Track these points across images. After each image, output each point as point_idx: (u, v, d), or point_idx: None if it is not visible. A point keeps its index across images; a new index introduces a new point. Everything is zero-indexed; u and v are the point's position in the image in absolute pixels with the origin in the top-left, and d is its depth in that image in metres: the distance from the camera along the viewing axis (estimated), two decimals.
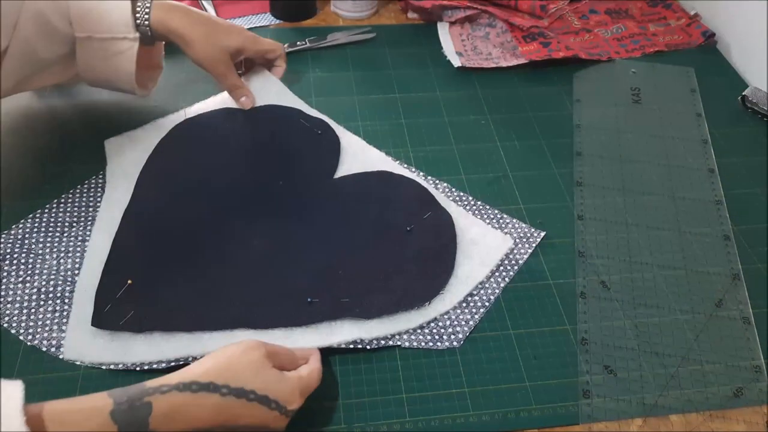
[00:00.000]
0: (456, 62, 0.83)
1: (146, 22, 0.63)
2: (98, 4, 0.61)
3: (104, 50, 0.62)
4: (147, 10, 0.63)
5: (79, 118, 0.73)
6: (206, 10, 0.87)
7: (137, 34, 0.63)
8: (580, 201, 0.67)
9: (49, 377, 0.51)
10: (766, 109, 0.78)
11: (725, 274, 0.61)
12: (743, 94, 0.79)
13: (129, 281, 0.56)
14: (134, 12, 0.63)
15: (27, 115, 0.73)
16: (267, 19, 0.89)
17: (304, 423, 0.49)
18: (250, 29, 0.86)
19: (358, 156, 0.69)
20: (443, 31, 0.88)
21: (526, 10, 0.89)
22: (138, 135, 0.70)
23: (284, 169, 0.67)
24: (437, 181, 0.67)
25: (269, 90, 0.74)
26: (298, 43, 0.84)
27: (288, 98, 0.74)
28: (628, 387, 0.52)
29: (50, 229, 0.61)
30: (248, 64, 0.75)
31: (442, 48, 0.86)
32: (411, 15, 0.92)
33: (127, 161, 0.67)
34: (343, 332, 0.54)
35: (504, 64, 0.83)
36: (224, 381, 0.43)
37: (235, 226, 0.62)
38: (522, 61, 0.83)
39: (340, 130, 0.72)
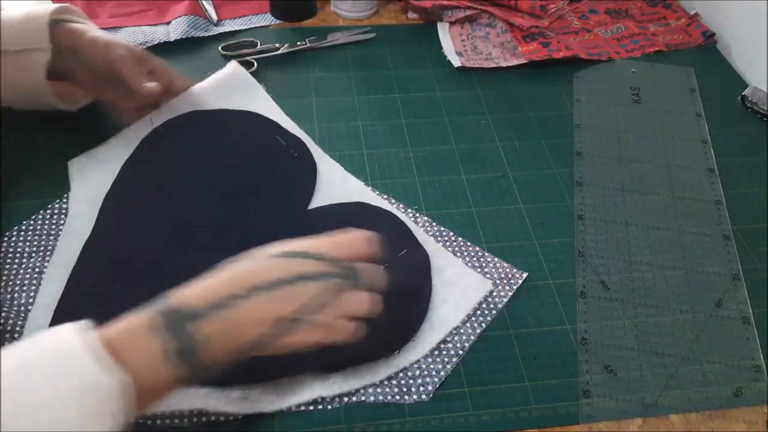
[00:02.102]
0: (456, 62, 0.83)
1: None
2: (19, 15, 0.60)
3: (18, 63, 0.61)
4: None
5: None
6: (206, 11, 0.87)
7: (50, 45, 0.61)
8: (580, 201, 0.67)
9: None
10: (765, 108, 0.78)
11: (725, 273, 0.61)
12: (743, 93, 0.79)
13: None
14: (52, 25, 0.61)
15: None
16: (267, 19, 0.89)
17: (304, 422, 0.49)
18: (250, 29, 0.87)
19: (335, 185, 0.65)
20: (443, 31, 0.88)
21: (526, 10, 0.90)
22: (103, 154, 0.66)
23: (256, 196, 0.63)
24: (417, 215, 0.64)
25: (244, 90, 0.69)
26: (298, 43, 0.84)
27: (266, 105, 0.70)
28: (628, 387, 0.52)
29: (8, 259, 0.57)
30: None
31: (442, 48, 0.86)
32: (411, 15, 0.92)
33: (90, 186, 0.63)
34: (304, 391, 0.50)
35: (504, 64, 0.83)
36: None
37: (199, 263, 0.57)
38: (522, 61, 0.83)
39: (318, 153, 0.68)
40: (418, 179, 0.68)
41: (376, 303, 0.47)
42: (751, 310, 0.58)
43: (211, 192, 0.64)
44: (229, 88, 0.70)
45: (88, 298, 0.54)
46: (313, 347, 0.44)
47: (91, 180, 0.64)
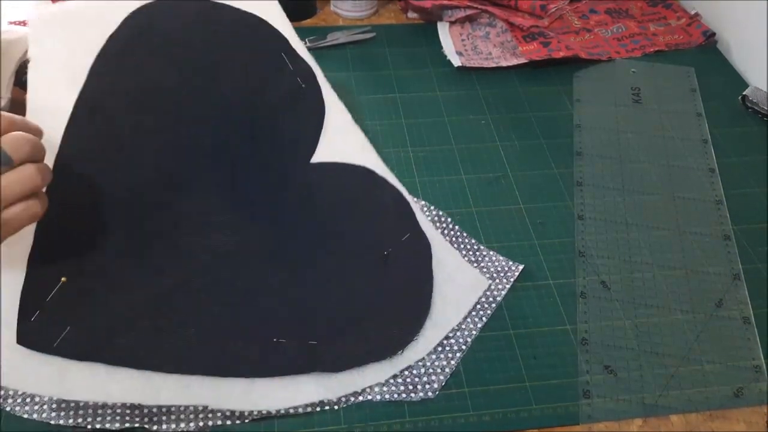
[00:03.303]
0: (456, 62, 0.83)
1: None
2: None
3: None
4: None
5: None
6: None
7: (9, 95, 0.58)
8: (580, 201, 0.67)
9: None
10: (766, 108, 0.78)
11: (725, 274, 0.61)
12: (743, 93, 0.79)
13: (63, 279, 0.46)
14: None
15: None
16: None
17: (305, 423, 0.49)
18: None
19: (339, 136, 0.61)
20: (443, 30, 0.88)
21: (526, 10, 0.90)
22: (72, 16, 0.53)
23: (256, 130, 0.56)
24: (416, 198, 0.64)
25: None
26: None
27: (275, 13, 0.62)
28: (628, 387, 0.52)
29: None
30: None
31: (442, 48, 0.86)
32: (411, 15, 0.92)
33: (57, 82, 0.51)
34: (309, 391, 0.49)
35: (504, 63, 0.83)
36: None
37: (191, 210, 0.51)
38: (522, 60, 0.83)
39: (327, 89, 0.61)
40: (418, 179, 0.68)
41: (36, 172, 0.41)
42: (751, 310, 0.58)
43: (205, 113, 0.55)
44: None
45: (65, 249, 0.48)
46: None
47: (54, 73, 0.51)
